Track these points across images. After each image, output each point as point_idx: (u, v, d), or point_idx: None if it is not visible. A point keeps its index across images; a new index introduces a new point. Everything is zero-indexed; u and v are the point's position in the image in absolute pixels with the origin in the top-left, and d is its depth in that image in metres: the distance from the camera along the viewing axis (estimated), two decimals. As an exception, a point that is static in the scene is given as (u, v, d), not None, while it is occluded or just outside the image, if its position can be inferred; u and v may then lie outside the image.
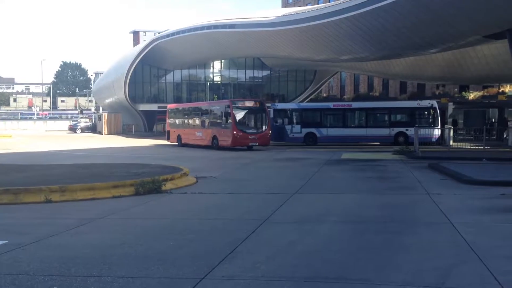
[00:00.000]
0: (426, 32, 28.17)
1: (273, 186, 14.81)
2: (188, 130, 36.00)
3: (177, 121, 37.92)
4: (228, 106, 30.78)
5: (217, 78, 64.80)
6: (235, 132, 29.98)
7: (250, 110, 31.83)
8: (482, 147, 27.53)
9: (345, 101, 49.42)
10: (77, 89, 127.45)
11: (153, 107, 59.57)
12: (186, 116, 37.27)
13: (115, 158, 24.40)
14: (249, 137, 30.54)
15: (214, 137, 31.89)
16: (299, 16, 36.20)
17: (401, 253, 7.33)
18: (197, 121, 35.19)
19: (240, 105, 31.58)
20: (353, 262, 6.89)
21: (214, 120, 32.77)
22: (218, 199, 12.60)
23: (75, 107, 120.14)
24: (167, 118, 39.71)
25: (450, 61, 40.68)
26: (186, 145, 34.72)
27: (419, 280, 6.07)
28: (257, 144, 30.94)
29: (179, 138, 36.33)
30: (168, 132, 38.44)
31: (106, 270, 6.55)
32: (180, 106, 40.64)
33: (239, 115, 31.04)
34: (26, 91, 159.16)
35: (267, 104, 34.88)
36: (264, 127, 31.56)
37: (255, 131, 31.22)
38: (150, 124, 61.11)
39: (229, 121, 30.18)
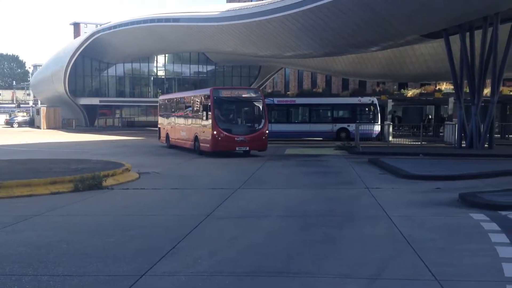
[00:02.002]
0: (367, 31, 28.83)
1: (217, 181, 14.80)
2: (175, 127, 28.11)
3: (165, 116, 30.45)
4: (208, 97, 22.68)
5: (161, 73, 63.97)
6: (215, 132, 21.90)
7: (239, 102, 23.35)
8: (419, 143, 28.50)
9: (289, 96, 49.89)
10: (14, 82, 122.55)
11: (95, 101, 58.22)
12: (173, 110, 29.29)
13: (54, 153, 23.67)
14: (236, 139, 22.25)
15: (196, 138, 24.11)
16: (244, 12, 36.20)
17: (340, 247, 7.50)
18: (182, 117, 27.36)
19: (224, 95, 23.10)
20: (294, 256, 6.99)
21: (195, 115, 24.73)
22: (161, 195, 12.48)
23: (12, 100, 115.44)
24: (158, 112, 33.32)
25: (389, 60, 41.83)
26: (174, 147, 27.51)
27: (357, 272, 6.24)
28: (247, 148, 22.53)
29: (167, 137, 28.95)
30: (159, 129, 31.46)
31: (42, 268, 6.37)
32: (170, 97, 32.25)
33: (223, 108, 23.02)
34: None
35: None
36: (258, 126, 23.04)
37: (245, 131, 22.75)
38: (92, 119, 59.64)
39: (209, 117, 22.36)
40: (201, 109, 23.21)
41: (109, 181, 13.63)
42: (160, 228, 8.76)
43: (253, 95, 23.76)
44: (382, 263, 6.62)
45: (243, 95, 23.49)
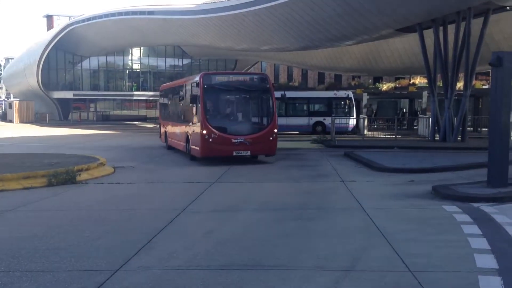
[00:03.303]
0: (341, 25, 28.95)
1: (192, 175, 14.75)
2: (171, 124, 22.74)
3: (163, 111, 25.98)
4: (197, 85, 17.38)
5: (136, 66, 63.36)
6: (204, 132, 16.67)
7: (239, 92, 18.07)
8: (394, 136, 28.80)
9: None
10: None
11: (69, 94, 57.43)
12: (169, 103, 24.38)
13: (27, 147, 23.30)
14: (233, 140, 16.91)
15: (187, 139, 18.91)
16: (220, 5, 36.02)
17: (315, 239, 7.55)
18: (176, 111, 22.14)
19: (219, 82, 17.53)
20: (269, 249, 7.01)
21: (187, 108, 19.14)
22: (136, 189, 12.38)
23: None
24: (158, 105, 29.18)
25: (365, 54, 42.18)
26: (172, 148, 22.46)
27: (331, 264, 6.29)
28: (249, 153, 17.20)
29: (165, 136, 23.95)
30: (159, 125, 26.83)
31: (14, 264, 6.28)
32: (169, 85, 25.78)
33: (216, 100, 17.94)
34: None
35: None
36: (264, 122, 18.00)
37: (246, 129, 17.60)
38: (66, 113, 58.81)
39: (198, 112, 17.28)
40: (190, 100, 17.76)
41: (83, 176, 13.49)
42: (135, 223, 8.69)
43: (257, 82, 18.07)
44: (357, 254, 6.68)
45: (245, 83, 17.96)
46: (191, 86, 17.93)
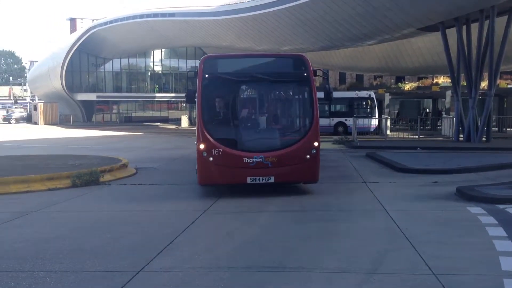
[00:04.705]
0: (363, 24, 28.75)
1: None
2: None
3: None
4: (195, 74, 11.81)
5: (158, 68, 63.75)
6: (202, 146, 11.11)
7: (257, 84, 12.14)
8: (417, 137, 28.49)
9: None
10: (11, 77, 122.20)
11: (92, 96, 58.06)
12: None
13: (51, 149, 23.62)
14: (247, 159, 11.02)
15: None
16: (240, 6, 36.07)
17: (336, 241, 7.50)
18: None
19: (225, 69, 11.70)
20: (290, 250, 6.99)
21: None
22: (158, 190, 12.45)
23: (9, 96, 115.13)
24: None
25: (386, 53, 41.82)
26: None
27: (353, 267, 6.24)
28: (271, 179, 11.10)
29: None
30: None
31: (39, 265, 6.37)
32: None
33: (222, 97, 11.99)
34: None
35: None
36: (299, 129, 12.05)
37: (268, 142, 11.69)
38: (89, 114, 59.49)
39: (196, 115, 12.11)
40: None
41: (106, 177, 13.63)
42: (157, 224, 8.75)
43: (289, 67, 12.01)
44: (379, 257, 6.62)
45: (269, 69, 11.78)
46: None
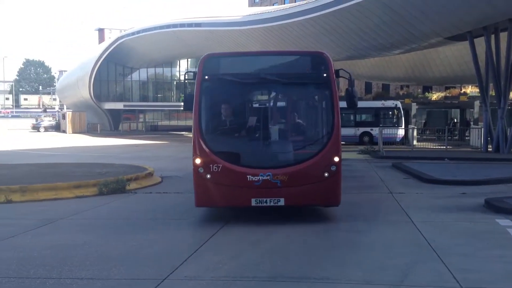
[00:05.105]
0: (389, 33, 28.58)
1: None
2: None
3: None
4: (193, 76, 9.90)
5: (183, 77, 64.33)
6: (198, 161, 9.58)
7: (266, 87, 10.20)
8: (444, 147, 28.12)
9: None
10: (40, 87, 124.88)
11: (119, 105, 58.85)
12: None
13: (79, 157, 23.99)
14: (251, 177, 9.14)
15: None
16: (265, 16, 36.26)
17: (362, 251, 7.43)
18: None
19: (228, 70, 9.85)
20: (315, 261, 6.95)
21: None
22: (183, 199, 12.50)
23: (39, 105, 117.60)
24: None
25: (413, 62, 41.43)
26: None
27: (379, 278, 6.17)
28: (281, 202, 9.20)
29: None
30: None
31: (66, 271, 6.45)
32: None
33: (223, 103, 10.05)
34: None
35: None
36: (315, 141, 10.02)
37: (277, 157, 9.89)
38: (116, 123, 60.31)
39: (193, 123, 10.06)
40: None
41: (132, 185, 13.77)
42: (183, 232, 8.80)
43: (306, 67, 10.13)
44: (405, 269, 6.52)
45: (282, 69, 10.02)
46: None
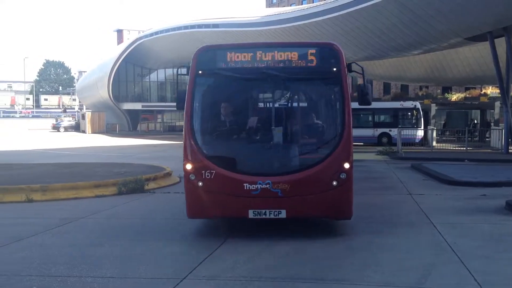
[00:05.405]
0: (408, 33, 28.35)
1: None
2: None
3: None
4: (187, 70, 8.89)
5: (201, 78, 64.52)
6: (189, 166, 8.57)
7: (268, 83, 8.71)
8: (464, 148, 27.79)
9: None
10: (60, 87, 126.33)
11: (137, 106, 59.27)
12: None
13: (98, 157, 24.20)
14: (249, 185, 8.04)
15: None
16: (283, 17, 36.21)
17: (381, 253, 7.38)
18: None
19: (225, 65, 8.56)
20: (334, 262, 6.91)
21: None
22: (201, 199, 12.54)
23: (59, 105, 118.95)
24: None
25: (433, 63, 41.06)
26: None
27: (399, 280, 6.11)
28: (282, 214, 8.12)
29: None
30: None
31: (86, 270, 6.51)
32: None
33: (219, 101, 9.05)
34: (9, 89, 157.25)
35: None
36: (323, 144, 8.75)
37: (279, 162, 8.63)
38: (134, 123, 60.76)
39: (184, 123, 8.94)
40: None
41: (151, 185, 13.85)
42: (200, 232, 8.82)
43: (315, 60, 8.58)
44: (425, 271, 6.46)
45: (287, 63, 8.56)
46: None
